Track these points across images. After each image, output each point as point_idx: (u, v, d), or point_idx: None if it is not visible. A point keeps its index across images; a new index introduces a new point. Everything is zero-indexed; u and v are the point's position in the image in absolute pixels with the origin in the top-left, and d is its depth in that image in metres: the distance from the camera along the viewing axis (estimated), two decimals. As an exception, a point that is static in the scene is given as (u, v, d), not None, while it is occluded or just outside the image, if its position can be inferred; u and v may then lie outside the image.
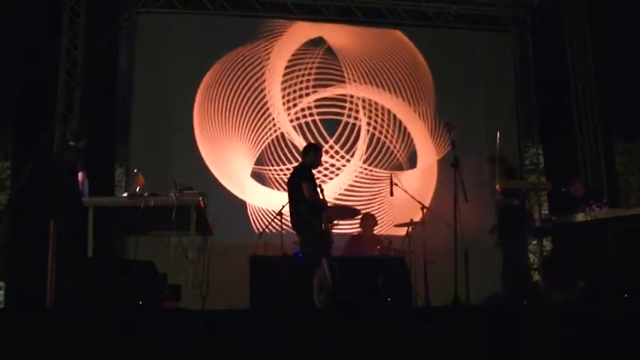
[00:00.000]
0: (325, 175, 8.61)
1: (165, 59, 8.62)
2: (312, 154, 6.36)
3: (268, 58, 8.86)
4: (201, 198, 5.45)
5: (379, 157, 8.91)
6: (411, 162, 8.98)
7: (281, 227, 6.69)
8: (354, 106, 8.97)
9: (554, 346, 3.82)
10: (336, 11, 9.05)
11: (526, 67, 9.46)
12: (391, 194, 7.23)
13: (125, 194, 5.61)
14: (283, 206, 6.98)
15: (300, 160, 6.57)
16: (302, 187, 5.99)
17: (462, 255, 5.63)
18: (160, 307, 4.92)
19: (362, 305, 5.73)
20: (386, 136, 8.98)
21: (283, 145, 8.68)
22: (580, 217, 6.41)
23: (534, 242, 8.82)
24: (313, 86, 8.95)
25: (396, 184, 7.21)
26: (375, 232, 7.81)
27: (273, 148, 8.67)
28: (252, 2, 8.86)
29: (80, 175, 5.74)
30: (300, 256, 6.40)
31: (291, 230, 6.38)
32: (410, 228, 7.10)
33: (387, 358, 3.75)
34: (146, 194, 5.30)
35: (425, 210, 7.04)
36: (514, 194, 6.20)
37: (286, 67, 8.93)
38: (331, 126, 8.85)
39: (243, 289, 6.06)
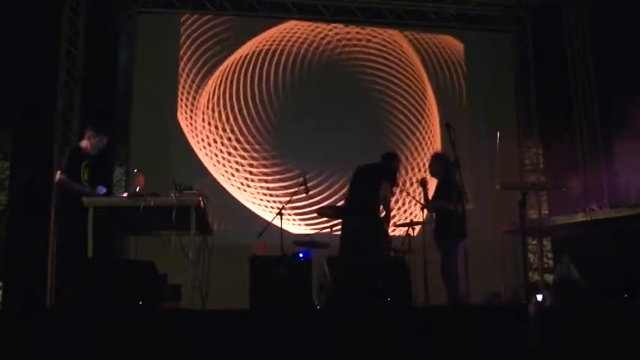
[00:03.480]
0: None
1: (164, 59, 8.62)
2: (396, 163, 6.37)
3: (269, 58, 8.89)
4: (201, 198, 5.44)
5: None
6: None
7: (281, 227, 6.69)
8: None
9: (554, 347, 3.83)
10: (336, 11, 9.05)
11: (526, 67, 9.46)
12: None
13: (125, 194, 5.59)
14: (283, 206, 6.98)
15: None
16: (383, 186, 5.97)
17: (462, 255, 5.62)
18: (160, 307, 4.92)
19: (362, 305, 5.72)
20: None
21: (287, 147, 8.71)
22: (580, 217, 6.40)
23: (534, 242, 8.83)
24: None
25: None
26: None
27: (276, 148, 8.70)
28: (252, 2, 8.86)
29: (58, 174, 5.71)
30: (302, 257, 6.38)
31: (289, 231, 6.34)
32: (410, 228, 7.10)
33: (387, 358, 3.75)
34: (146, 194, 5.29)
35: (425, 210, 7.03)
36: (451, 198, 5.80)
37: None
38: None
39: (243, 289, 6.05)
